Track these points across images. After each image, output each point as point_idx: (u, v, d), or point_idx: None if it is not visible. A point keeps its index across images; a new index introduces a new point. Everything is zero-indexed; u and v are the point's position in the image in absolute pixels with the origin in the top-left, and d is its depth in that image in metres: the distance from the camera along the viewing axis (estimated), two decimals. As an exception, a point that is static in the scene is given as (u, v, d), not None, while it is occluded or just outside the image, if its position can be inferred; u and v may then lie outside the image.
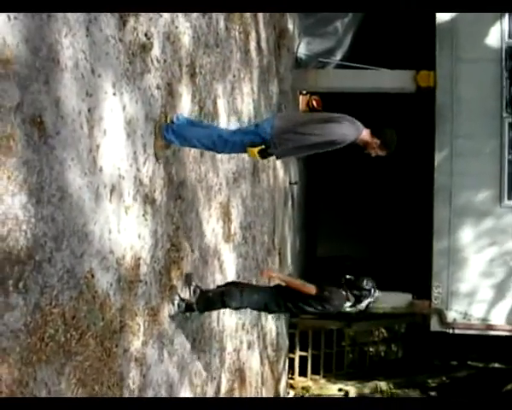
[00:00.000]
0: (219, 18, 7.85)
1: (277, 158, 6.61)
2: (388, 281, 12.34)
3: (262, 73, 10.38)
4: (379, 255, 15.64)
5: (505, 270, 12.06)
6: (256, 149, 5.81)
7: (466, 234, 12.07)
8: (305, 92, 15.09)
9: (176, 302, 6.26)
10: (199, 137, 6.08)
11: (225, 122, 8.17)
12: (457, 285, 12.12)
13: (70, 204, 4.16)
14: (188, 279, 6.54)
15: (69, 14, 4.17)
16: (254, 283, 8.86)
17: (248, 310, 9.29)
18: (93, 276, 4.51)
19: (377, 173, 15.62)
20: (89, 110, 4.45)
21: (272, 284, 7.41)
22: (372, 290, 6.58)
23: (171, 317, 6.16)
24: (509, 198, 11.95)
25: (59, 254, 4.04)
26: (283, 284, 6.72)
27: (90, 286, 4.48)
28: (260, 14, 10.14)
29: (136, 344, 5.30)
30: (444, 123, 11.98)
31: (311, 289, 6.47)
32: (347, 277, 6.63)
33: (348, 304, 6.65)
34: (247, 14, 9.29)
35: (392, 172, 14.61)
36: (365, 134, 5.89)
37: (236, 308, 6.89)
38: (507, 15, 11.93)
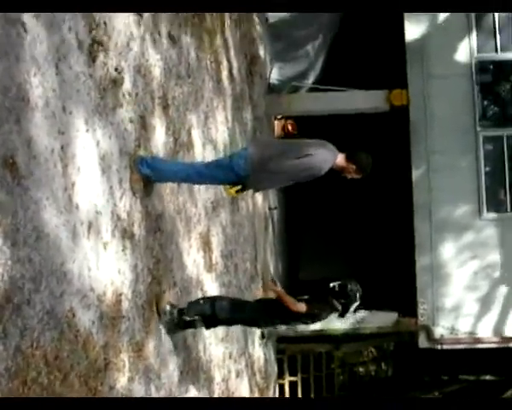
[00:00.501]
0: (190, 48, 7.87)
1: (255, 192, 6.67)
2: (373, 300, 12.34)
3: (235, 101, 10.40)
4: (362, 275, 15.61)
5: (489, 282, 12.09)
6: (233, 190, 5.85)
7: (448, 249, 12.10)
8: (279, 117, 15.15)
9: (167, 309, 6.22)
10: (174, 170, 6.09)
11: (201, 152, 8.17)
12: (443, 300, 12.13)
13: (47, 244, 4.12)
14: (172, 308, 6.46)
15: (37, 54, 4.16)
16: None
17: (234, 339, 9.25)
18: (74, 315, 4.45)
19: (357, 193, 15.65)
20: (62, 148, 4.42)
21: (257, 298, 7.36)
22: (357, 293, 6.56)
23: (158, 345, 6.10)
24: (488, 211, 12.02)
25: (38, 296, 3.99)
26: (275, 297, 6.63)
27: (72, 325, 4.42)
28: (231, 43, 10.18)
29: (121, 381, 5.23)
30: (419, 140, 12.05)
31: (302, 307, 6.43)
32: (331, 286, 6.58)
33: (337, 314, 6.63)
34: (218, 43, 9.33)
35: (372, 191, 14.63)
36: (340, 159, 5.94)
37: (224, 321, 6.79)
38: (474, 31, 12.04)
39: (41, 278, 4.04)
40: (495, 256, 12.03)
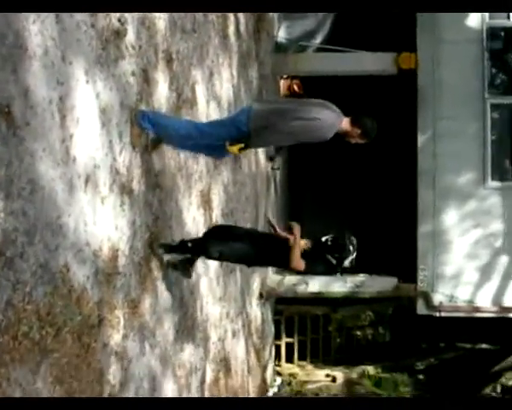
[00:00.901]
0: (196, 2, 7.69)
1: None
2: (373, 265, 12.28)
3: (241, 58, 10.23)
4: (364, 239, 15.55)
5: (490, 252, 11.99)
6: (236, 147, 5.72)
7: (450, 216, 11.99)
8: (285, 76, 14.95)
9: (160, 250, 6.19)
10: (176, 127, 5.98)
11: (204, 108, 8.03)
12: (443, 268, 12.05)
13: (42, 197, 4.03)
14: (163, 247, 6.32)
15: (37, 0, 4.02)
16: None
17: (232, 298, 9.21)
18: (68, 270, 4.38)
19: (360, 156, 15.52)
20: (60, 99, 4.31)
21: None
22: (351, 246, 6.44)
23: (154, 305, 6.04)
24: (492, 179, 11.88)
25: (31, 249, 3.91)
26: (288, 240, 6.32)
27: (66, 280, 4.35)
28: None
29: (115, 338, 5.17)
30: (426, 105, 11.87)
31: (301, 265, 6.28)
32: (323, 240, 6.45)
33: (333, 268, 6.53)
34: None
35: (376, 154, 14.49)
36: (345, 123, 5.82)
37: (215, 257, 6.68)
38: (487, -6, 11.81)
39: (35, 231, 3.96)
40: (498, 225, 11.92)
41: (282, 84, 15.04)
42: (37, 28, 4.02)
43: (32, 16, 3.95)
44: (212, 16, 8.39)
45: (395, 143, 13.67)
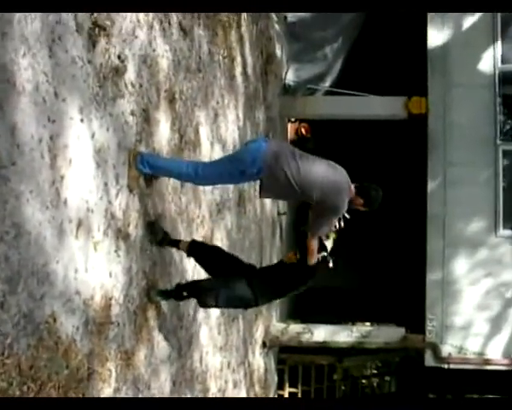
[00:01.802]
0: (202, 41, 7.49)
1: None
2: (380, 313, 11.95)
3: (248, 100, 10.02)
4: (371, 287, 15.24)
5: (501, 302, 11.65)
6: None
7: (460, 265, 11.68)
8: (293, 120, 14.77)
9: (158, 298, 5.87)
10: (175, 172, 5.76)
11: (208, 151, 7.80)
12: (452, 318, 11.70)
13: (28, 242, 3.75)
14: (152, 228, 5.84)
15: (27, 33, 3.78)
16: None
17: (234, 347, 8.88)
18: (55, 320, 4.08)
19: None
20: (51, 138, 4.05)
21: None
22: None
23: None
24: (504, 228, 11.59)
25: (13, 298, 3.62)
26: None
27: (52, 331, 4.05)
28: (247, 39, 9.81)
29: (106, 392, 4.85)
30: (436, 150, 11.65)
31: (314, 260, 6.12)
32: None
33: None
34: (233, 38, 8.94)
35: (384, 201, 14.27)
36: (351, 191, 5.81)
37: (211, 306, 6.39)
38: (499, 40, 11.64)
39: (19, 278, 3.67)
40: (509, 275, 11.58)
41: (290, 127, 14.87)
42: (27, 62, 3.78)
43: (22, 48, 3.71)
44: (219, 56, 8.19)
45: (404, 189, 13.44)
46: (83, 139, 4.52)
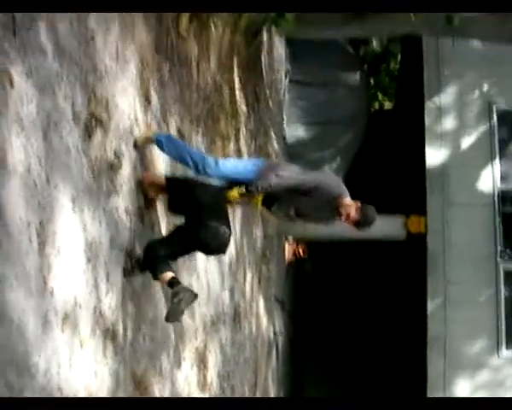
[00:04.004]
0: (199, 148, 7.44)
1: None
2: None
3: (245, 215, 9.94)
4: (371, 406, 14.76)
5: (504, 428, 11.22)
6: (236, 192, 5.71)
7: (462, 387, 11.35)
8: (291, 240, 14.69)
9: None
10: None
11: (204, 263, 7.65)
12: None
13: (9, 329, 3.53)
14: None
15: (23, 114, 3.70)
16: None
17: None
18: (34, 417, 3.81)
19: (368, 321, 15.06)
20: (40, 223, 3.90)
21: None
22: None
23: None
24: (506, 348, 11.32)
25: (-10, 387, 3.38)
26: None
27: (30, 429, 3.77)
28: (245, 153, 9.82)
29: None
30: (436, 269, 11.53)
31: None
32: None
33: None
34: (231, 149, 8.93)
35: (384, 320, 14.06)
36: (350, 205, 5.83)
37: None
38: (497, 160, 11.72)
39: (-3, 367, 3.44)
40: (512, 398, 11.24)
41: (288, 247, 14.76)
42: (20, 142, 3.67)
43: (14, 128, 3.61)
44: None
45: (403, 309, 13.23)
46: (74, 230, 4.37)
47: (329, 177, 5.94)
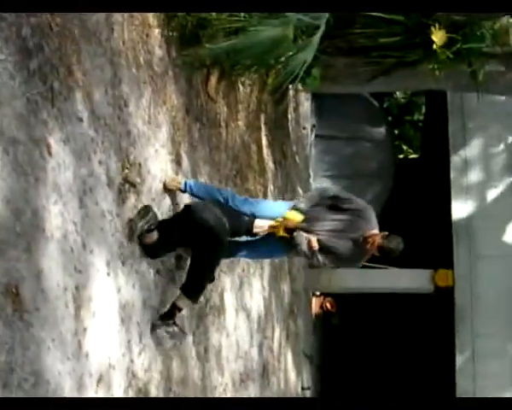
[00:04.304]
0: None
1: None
2: None
3: (273, 270, 9.98)
4: None
5: None
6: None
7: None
8: (318, 294, 14.69)
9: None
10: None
11: (233, 317, 7.70)
12: None
13: (46, 391, 3.61)
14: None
15: (60, 181, 3.82)
16: None
17: None
18: None
19: (395, 377, 14.94)
20: (76, 288, 4.00)
21: None
22: None
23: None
24: (537, 404, 11.17)
25: (28, 452, 3.44)
26: None
27: None
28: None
29: None
30: (464, 323, 11.47)
31: None
32: None
33: None
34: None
35: (412, 375, 13.95)
36: (377, 235, 5.77)
37: None
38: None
39: (35, 431, 3.50)
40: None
41: (315, 301, 14.76)
42: (57, 209, 3.79)
43: (53, 196, 3.73)
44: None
45: (432, 364, 13.13)
46: (108, 293, 4.47)
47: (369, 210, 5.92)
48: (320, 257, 5.81)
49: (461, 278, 11.61)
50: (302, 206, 5.84)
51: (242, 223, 5.70)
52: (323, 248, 5.78)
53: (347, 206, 5.88)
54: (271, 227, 5.78)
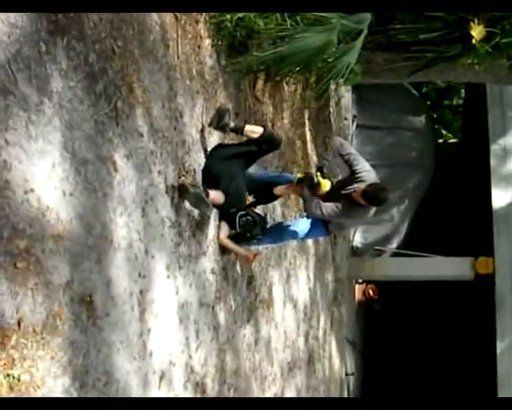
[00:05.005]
0: (275, 205, 7.74)
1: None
2: None
3: (318, 261, 10.22)
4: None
5: None
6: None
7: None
8: (360, 281, 14.89)
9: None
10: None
11: (281, 309, 7.97)
12: None
13: (116, 390, 3.92)
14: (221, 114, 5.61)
15: (125, 194, 4.11)
16: None
17: None
18: None
19: (437, 363, 15.06)
20: (140, 292, 4.30)
21: None
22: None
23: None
24: None
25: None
26: None
27: None
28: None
29: None
30: (504, 310, 11.57)
31: None
32: None
33: None
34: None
35: (453, 361, 14.06)
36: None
37: None
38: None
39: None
40: None
41: (358, 288, 14.97)
42: (123, 221, 4.08)
43: (119, 209, 4.02)
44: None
45: (472, 349, 13.24)
46: (168, 295, 4.76)
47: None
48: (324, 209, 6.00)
49: (501, 266, 11.70)
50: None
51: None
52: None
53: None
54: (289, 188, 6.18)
